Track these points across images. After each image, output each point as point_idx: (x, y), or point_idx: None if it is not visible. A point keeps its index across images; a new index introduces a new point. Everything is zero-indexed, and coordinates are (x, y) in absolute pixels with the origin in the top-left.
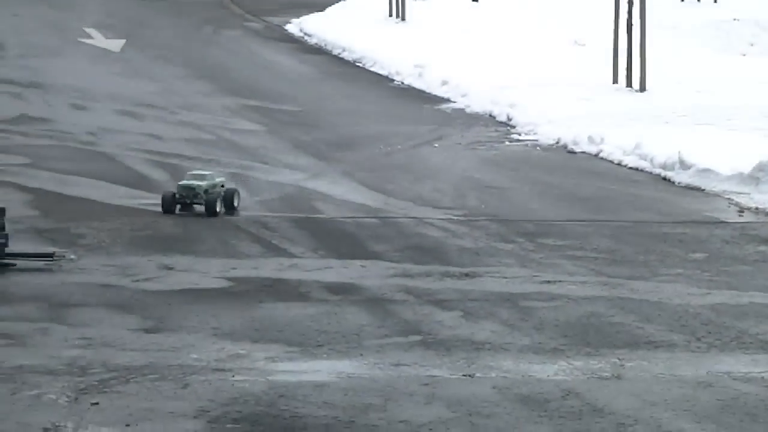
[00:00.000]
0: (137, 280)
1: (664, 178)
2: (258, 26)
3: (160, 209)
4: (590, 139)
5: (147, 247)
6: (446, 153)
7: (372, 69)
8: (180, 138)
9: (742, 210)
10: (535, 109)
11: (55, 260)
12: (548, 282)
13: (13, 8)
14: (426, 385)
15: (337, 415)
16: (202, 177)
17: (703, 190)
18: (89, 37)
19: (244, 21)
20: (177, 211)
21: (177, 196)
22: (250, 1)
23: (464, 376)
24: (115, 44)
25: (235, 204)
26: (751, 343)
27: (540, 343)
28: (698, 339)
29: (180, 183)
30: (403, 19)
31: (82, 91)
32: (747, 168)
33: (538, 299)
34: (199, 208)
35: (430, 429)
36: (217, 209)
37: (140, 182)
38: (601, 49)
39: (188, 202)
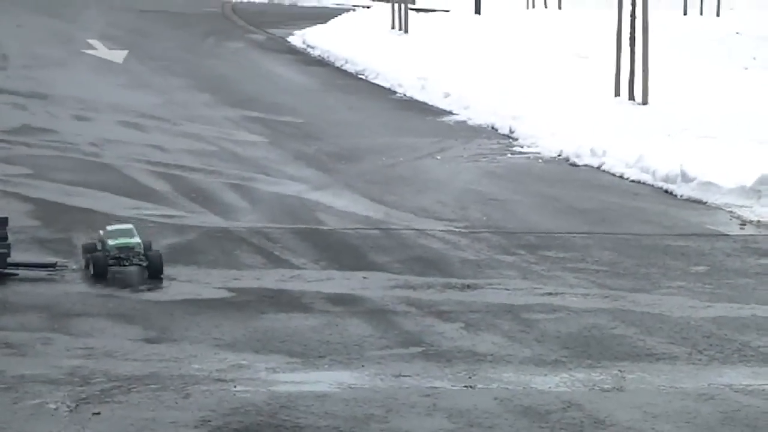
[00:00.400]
0: (139, 291)
1: (666, 191)
2: (260, 38)
3: (87, 272)
4: (592, 152)
5: None
6: (448, 165)
7: (374, 81)
8: (182, 149)
9: (744, 223)
10: (537, 122)
11: (57, 270)
12: (550, 294)
13: (16, 19)
14: (427, 396)
15: (339, 425)
16: (130, 233)
17: (705, 203)
18: (92, 48)
19: (246, 33)
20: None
21: (112, 257)
22: (253, 12)
23: (465, 387)
24: (118, 55)
25: None
26: (752, 355)
27: (541, 354)
28: (700, 351)
29: (114, 243)
30: (405, 31)
31: (84, 102)
32: (749, 181)
33: (539, 311)
34: (133, 269)
35: None
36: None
37: (143, 193)
38: (603, 61)
39: (127, 264)
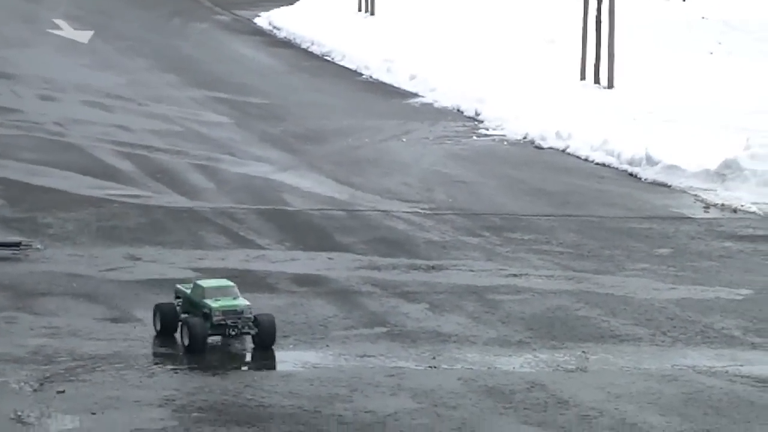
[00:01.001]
0: (104, 270)
1: (631, 174)
2: (227, 19)
3: (179, 346)
4: (558, 135)
5: (114, 237)
6: (414, 147)
7: (340, 63)
8: (148, 129)
9: (707, 206)
10: (503, 105)
11: (22, 249)
12: (514, 275)
13: None
14: (392, 376)
15: (303, 404)
16: (232, 291)
17: (670, 186)
18: (58, 28)
19: (212, 14)
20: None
21: (214, 323)
22: None
23: (430, 367)
24: (84, 35)
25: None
26: (715, 337)
27: (506, 335)
28: (663, 333)
29: (217, 305)
30: (372, 13)
31: (50, 82)
32: (713, 165)
33: (504, 292)
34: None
35: (396, 419)
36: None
37: (108, 173)
38: (570, 45)
39: (234, 333)
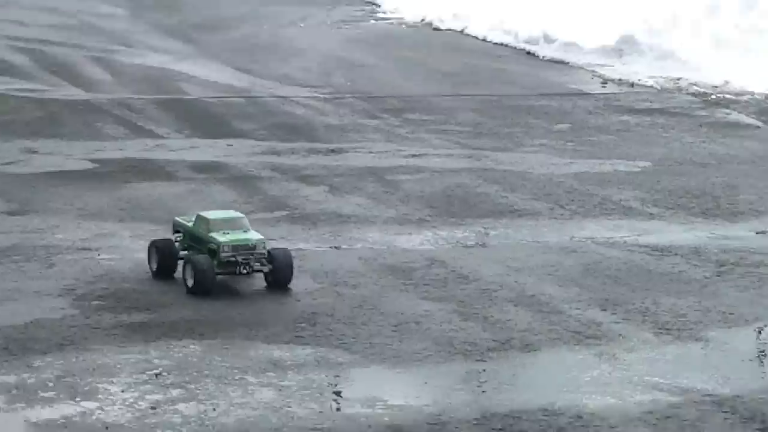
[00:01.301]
0: (0, 164)
1: (529, 53)
2: None
3: (183, 286)
4: (455, 16)
5: (10, 131)
6: (312, 32)
7: None
8: (43, 24)
9: (605, 81)
10: None
11: None
12: (414, 156)
13: None
14: (293, 257)
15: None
16: (241, 223)
17: (567, 63)
18: None
19: None
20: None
21: (222, 260)
22: None
23: (330, 248)
24: None
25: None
26: (613, 209)
27: (405, 214)
28: (562, 206)
29: (225, 239)
30: None
31: None
32: (611, 41)
33: (403, 172)
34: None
35: (297, 300)
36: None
37: (3, 68)
38: None
39: (245, 271)
